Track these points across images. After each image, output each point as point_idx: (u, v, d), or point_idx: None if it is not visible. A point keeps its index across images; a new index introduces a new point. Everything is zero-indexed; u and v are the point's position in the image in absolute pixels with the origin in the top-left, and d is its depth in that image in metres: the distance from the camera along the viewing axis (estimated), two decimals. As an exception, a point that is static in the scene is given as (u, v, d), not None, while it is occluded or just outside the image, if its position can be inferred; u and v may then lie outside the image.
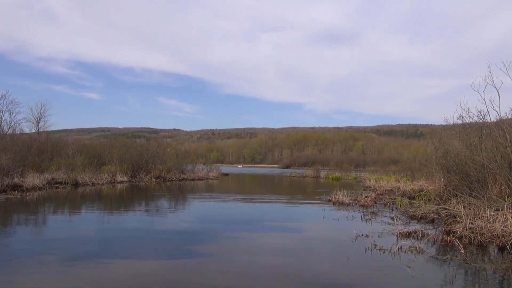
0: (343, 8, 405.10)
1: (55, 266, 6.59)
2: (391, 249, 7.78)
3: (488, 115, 13.87)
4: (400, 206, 15.16)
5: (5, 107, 30.63)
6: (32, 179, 22.35)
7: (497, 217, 9.28)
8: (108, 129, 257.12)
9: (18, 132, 32.52)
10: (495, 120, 13.74)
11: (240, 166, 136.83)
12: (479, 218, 9.68)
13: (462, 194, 12.69)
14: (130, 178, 30.96)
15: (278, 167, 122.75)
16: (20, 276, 5.92)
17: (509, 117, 13.23)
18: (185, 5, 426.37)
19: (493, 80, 12.76)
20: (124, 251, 7.79)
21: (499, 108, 13.01)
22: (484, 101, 13.36)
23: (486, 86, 13.02)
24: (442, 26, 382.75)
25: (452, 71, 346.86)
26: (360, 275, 6.20)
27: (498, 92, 12.85)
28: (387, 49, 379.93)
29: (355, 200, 17.45)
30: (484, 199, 11.24)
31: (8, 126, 30.95)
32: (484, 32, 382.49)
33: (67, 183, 24.61)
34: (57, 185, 23.53)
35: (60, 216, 13.02)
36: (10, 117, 31.37)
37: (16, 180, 21.59)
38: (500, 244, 8.16)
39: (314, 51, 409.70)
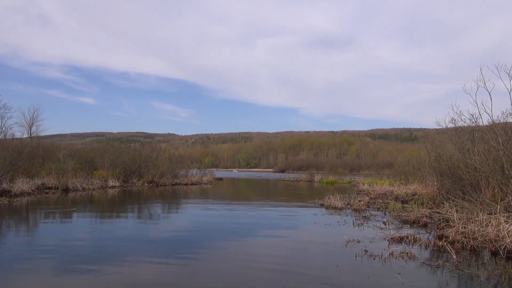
0: (338, 13, 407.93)
1: (43, 273, 6.39)
2: (382, 255, 7.60)
3: (480, 118, 13.84)
4: (393, 210, 15.02)
5: (-4, 111, 30.02)
6: (21, 184, 22.00)
7: (490, 221, 9.15)
8: (102, 134, 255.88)
9: (10, 137, 31.98)
10: (487, 123, 13.68)
11: (235, 170, 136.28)
12: (472, 222, 9.54)
13: (455, 197, 12.58)
14: (122, 183, 30.63)
15: (273, 172, 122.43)
16: (7, 284, 5.71)
17: (501, 120, 13.18)
18: (181, 10, 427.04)
19: (485, 83, 12.70)
20: (116, 257, 7.56)
21: (491, 111, 12.97)
22: (476, 104, 13.31)
23: (478, 89, 12.98)
24: (436, 32, 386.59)
25: (446, 75, 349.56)
26: (349, 283, 6.00)
27: (490, 95, 12.81)
28: (381, 54, 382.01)
29: (348, 204, 17.26)
30: (477, 203, 11.12)
31: (-1, 131, 30.40)
32: (476, 37, 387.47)
33: (57, 188, 24.24)
34: (47, 191, 23.16)
35: (48, 222, 12.67)
36: (1, 122, 30.86)
37: (4, 185, 21.23)
38: (493, 249, 8.01)
39: (309, 56, 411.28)
